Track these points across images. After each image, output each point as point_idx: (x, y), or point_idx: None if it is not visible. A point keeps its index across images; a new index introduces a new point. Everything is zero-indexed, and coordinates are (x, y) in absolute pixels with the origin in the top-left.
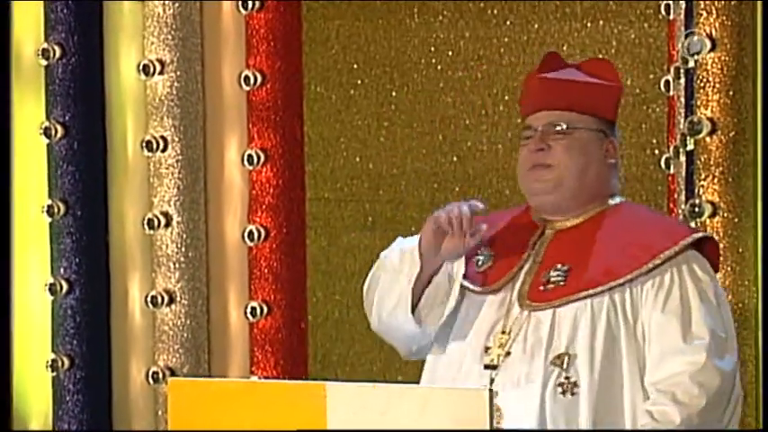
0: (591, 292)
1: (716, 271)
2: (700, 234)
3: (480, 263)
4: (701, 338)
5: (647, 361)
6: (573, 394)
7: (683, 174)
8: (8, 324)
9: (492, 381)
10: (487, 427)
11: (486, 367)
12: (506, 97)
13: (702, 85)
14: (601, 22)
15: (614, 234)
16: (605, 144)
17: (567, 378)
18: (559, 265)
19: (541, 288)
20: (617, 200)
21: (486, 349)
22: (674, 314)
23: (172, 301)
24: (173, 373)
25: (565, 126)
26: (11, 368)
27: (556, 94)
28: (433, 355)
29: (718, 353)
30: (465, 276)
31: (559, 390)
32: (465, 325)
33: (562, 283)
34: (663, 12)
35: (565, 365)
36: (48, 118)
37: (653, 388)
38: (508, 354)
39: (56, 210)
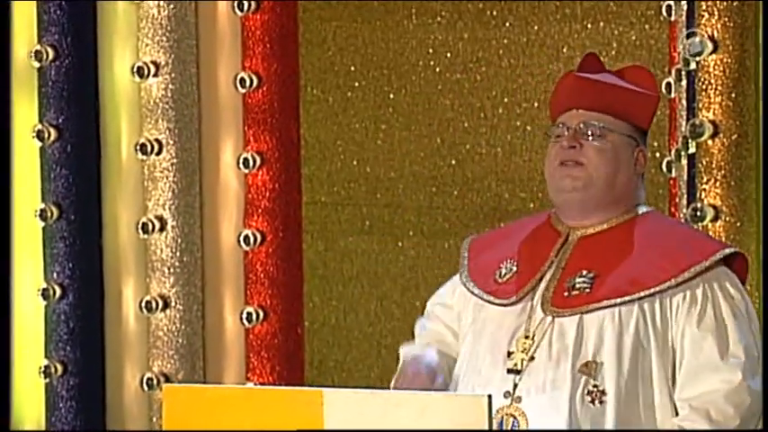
0: (619, 300)
1: (743, 283)
2: (731, 249)
3: (503, 273)
4: (737, 357)
5: (679, 375)
6: (601, 402)
7: (685, 177)
8: (8, 326)
9: (515, 386)
10: None
11: (510, 372)
12: (505, 100)
13: (704, 87)
14: (601, 24)
15: (641, 244)
16: (636, 152)
17: (595, 386)
18: (585, 272)
19: (566, 294)
20: (643, 209)
21: (509, 354)
22: (709, 331)
23: (166, 306)
24: (167, 380)
25: (600, 127)
26: (10, 371)
27: (593, 94)
28: (457, 368)
29: (751, 373)
30: (483, 290)
31: (588, 398)
32: (485, 332)
33: (588, 290)
34: (664, 13)
35: (593, 373)
36: (40, 121)
37: (686, 404)
38: (532, 358)
39: (49, 214)
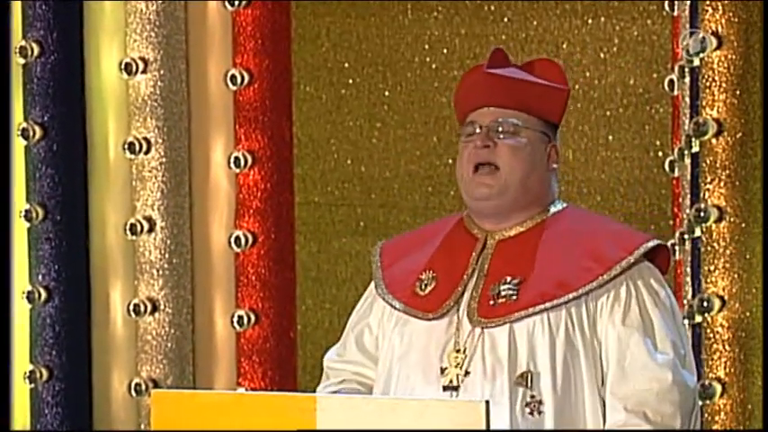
0: (548, 305)
1: (664, 274)
2: (654, 242)
3: (423, 286)
4: (666, 353)
5: (608, 374)
6: (540, 413)
7: (688, 177)
8: (8, 326)
9: None
10: None
11: (446, 389)
12: None
13: (708, 84)
14: (602, 19)
15: (563, 243)
16: (549, 148)
17: (532, 397)
18: (509, 278)
19: (491, 303)
20: (559, 206)
21: (443, 370)
22: (635, 328)
23: (155, 309)
24: (156, 385)
25: (514, 124)
26: (10, 371)
27: (505, 91)
28: (381, 384)
29: (681, 368)
30: (406, 304)
31: (527, 410)
32: (412, 349)
33: (514, 297)
34: (667, 8)
35: (529, 384)
36: (25, 119)
37: (619, 404)
38: (467, 373)
39: (34, 214)
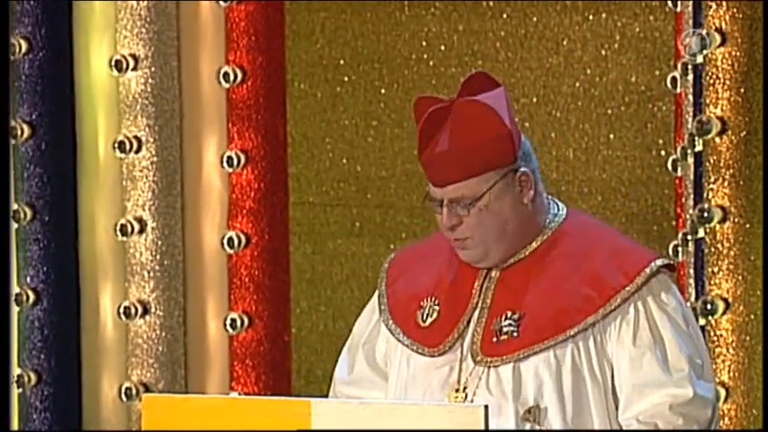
0: (551, 342)
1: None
2: (658, 262)
3: (425, 316)
4: (681, 370)
5: (623, 394)
6: None
7: (691, 177)
8: (7, 325)
9: None
10: None
11: None
12: None
13: (712, 81)
14: (603, 15)
15: (564, 268)
16: (517, 181)
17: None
18: (509, 313)
19: (494, 340)
20: (558, 219)
21: None
22: (647, 347)
23: (146, 312)
24: (147, 390)
25: (468, 200)
26: (9, 371)
27: (445, 170)
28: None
29: (698, 380)
30: (408, 335)
31: None
32: (415, 385)
33: (515, 334)
34: (669, 4)
35: (537, 419)
36: (13, 117)
37: (633, 420)
38: None
39: (22, 215)
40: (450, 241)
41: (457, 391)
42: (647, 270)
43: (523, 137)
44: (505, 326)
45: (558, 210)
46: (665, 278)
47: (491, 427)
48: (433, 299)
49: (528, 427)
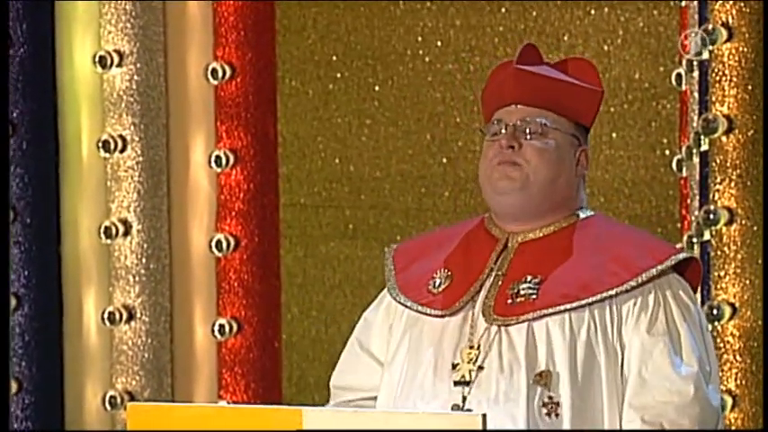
0: (570, 306)
1: (694, 292)
2: (684, 254)
3: (438, 284)
4: (690, 366)
5: (628, 384)
6: (557, 415)
7: (697, 177)
8: (6, 325)
9: (464, 399)
10: None
11: (457, 384)
12: None
13: (718, 78)
14: (606, 9)
15: (589, 248)
16: (578, 153)
17: (550, 398)
18: (529, 277)
19: (509, 302)
20: (586, 213)
21: (454, 366)
22: (660, 337)
23: (131, 317)
24: (132, 398)
25: (542, 124)
26: (9, 371)
27: (534, 89)
28: (389, 380)
29: (706, 385)
30: (418, 302)
31: (544, 410)
32: (422, 346)
33: (534, 296)
34: None
35: (548, 384)
36: None
37: (636, 415)
38: (481, 368)
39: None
40: (491, 169)
41: (471, 348)
42: (676, 256)
43: None
44: (524, 288)
45: (589, 210)
46: (687, 286)
47: (500, 391)
48: (446, 270)
49: (539, 391)
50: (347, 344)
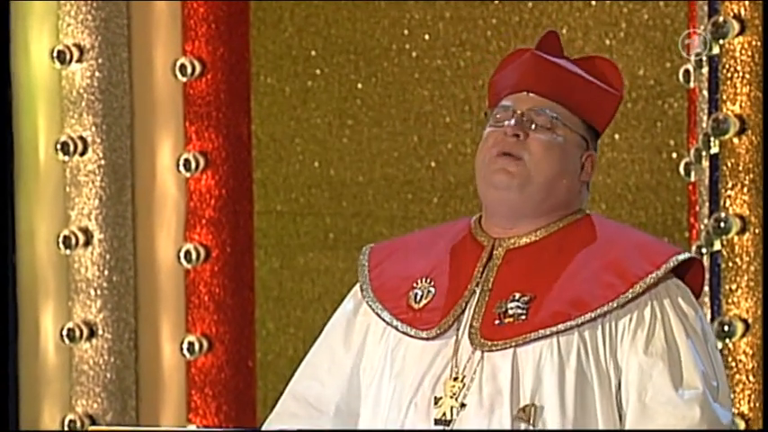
0: (559, 327)
1: (697, 297)
2: (685, 255)
3: (418, 297)
4: (694, 388)
5: (629, 407)
6: None
7: (706, 182)
8: (6, 323)
9: None
10: None
11: (437, 422)
12: None
13: (729, 75)
14: (607, 1)
15: (580, 255)
16: (585, 156)
17: None
18: (518, 295)
19: (497, 322)
20: (579, 214)
21: (436, 401)
22: (659, 357)
23: (92, 334)
24: (93, 422)
25: (552, 117)
26: (9, 371)
27: (550, 79)
28: (367, 410)
29: (713, 403)
30: (397, 317)
31: None
32: (404, 372)
33: (523, 317)
34: None
35: (532, 420)
36: None
37: None
38: (463, 405)
39: None
40: (491, 161)
41: (455, 380)
42: (678, 257)
43: None
44: (512, 308)
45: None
46: (687, 291)
47: (481, 427)
48: (428, 280)
49: (522, 427)
50: (314, 347)
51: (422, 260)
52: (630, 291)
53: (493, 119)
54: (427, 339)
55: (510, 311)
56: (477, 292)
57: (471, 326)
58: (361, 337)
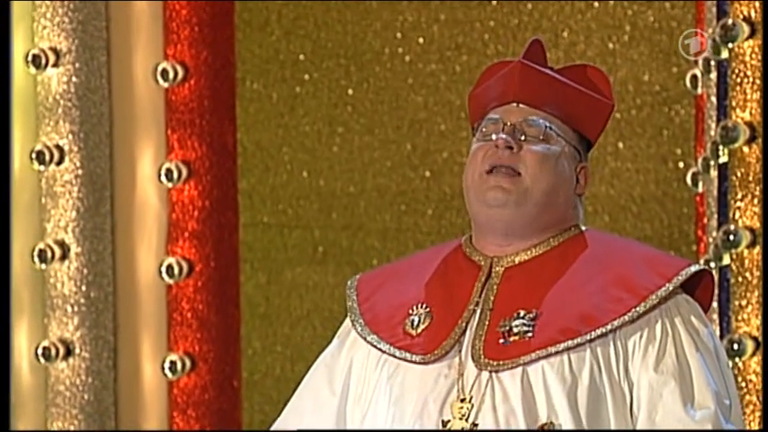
0: (569, 344)
1: (706, 311)
2: (696, 267)
3: (415, 323)
4: (706, 408)
5: (638, 425)
6: None
7: (715, 193)
8: (6, 322)
9: None
10: None
11: None
12: None
13: (738, 80)
14: (611, 2)
15: (584, 269)
16: (579, 169)
17: None
18: (522, 312)
19: (501, 341)
20: (577, 231)
21: (444, 423)
22: (670, 375)
23: (69, 353)
24: None
25: (547, 128)
26: (9, 371)
27: (541, 89)
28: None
29: (724, 423)
30: (394, 345)
31: None
32: (405, 399)
33: (530, 335)
34: None
35: None
36: None
37: None
38: (475, 425)
39: None
40: (481, 177)
41: (462, 401)
42: (689, 269)
43: None
44: (517, 325)
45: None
46: (697, 307)
47: None
48: (424, 305)
49: None
50: (299, 389)
51: (414, 286)
52: (642, 304)
53: (480, 133)
54: (427, 363)
55: (515, 329)
56: (478, 311)
57: (474, 346)
58: (345, 375)
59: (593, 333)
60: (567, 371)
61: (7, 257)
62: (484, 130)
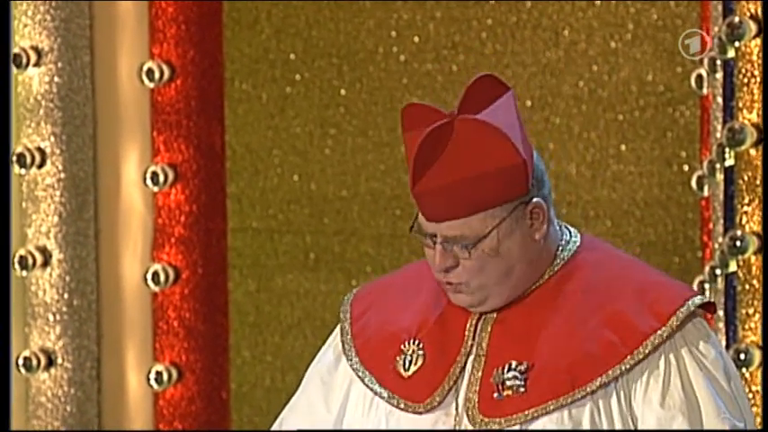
0: (567, 400)
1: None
2: (696, 300)
3: (407, 364)
4: None
5: None
6: None
7: (721, 197)
8: (7, 321)
9: None
10: None
11: None
12: None
13: (745, 81)
14: (613, 0)
15: (577, 308)
16: (528, 215)
17: None
18: (514, 363)
19: (495, 395)
20: (568, 251)
21: None
22: (677, 410)
23: (51, 363)
24: None
25: (469, 241)
26: (9, 371)
27: (443, 204)
28: None
29: None
30: (388, 388)
31: None
32: None
33: (522, 389)
34: None
35: None
36: None
37: None
38: None
39: None
40: (439, 281)
41: None
42: (683, 310)
43: (535, 154)
44: (509, 378)
45: (571, 236)
46: (703, 323)
47: None
48: (417, 342)
49: None
50: (292, 401)
51: (407, 313)
52: (637, 351)
53: (419, 230)
54: (419, 413)
55: (508, 382)
56: (472, 356)
57: (468, 399)
58: (343, 395)
59: (591, 385)
60: (567, 423)
61: (7, 259)
62: (420, 236)
